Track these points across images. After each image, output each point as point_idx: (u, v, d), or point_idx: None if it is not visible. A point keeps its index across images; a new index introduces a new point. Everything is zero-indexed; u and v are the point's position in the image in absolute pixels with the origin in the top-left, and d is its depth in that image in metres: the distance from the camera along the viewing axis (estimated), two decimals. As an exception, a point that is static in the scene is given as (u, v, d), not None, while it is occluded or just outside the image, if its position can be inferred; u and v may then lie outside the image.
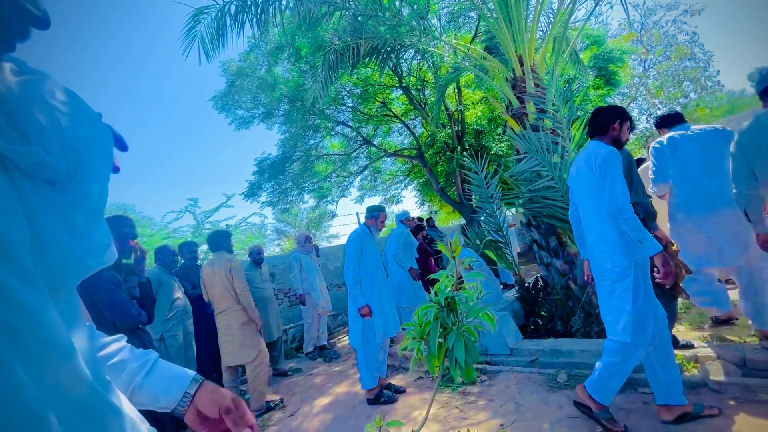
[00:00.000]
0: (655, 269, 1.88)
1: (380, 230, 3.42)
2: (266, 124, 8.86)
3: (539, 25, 4.91)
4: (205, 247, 7.28)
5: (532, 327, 3.81)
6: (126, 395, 0.59)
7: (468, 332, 1.20)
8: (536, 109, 3.79)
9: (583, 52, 9.80)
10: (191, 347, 3.47)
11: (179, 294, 3.52)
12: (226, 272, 3.31)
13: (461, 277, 1.13)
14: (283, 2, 4.36)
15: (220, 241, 3.66)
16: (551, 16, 5.25)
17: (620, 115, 2.09)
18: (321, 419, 3.00)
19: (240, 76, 7.74)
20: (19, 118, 0.44)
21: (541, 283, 4.13)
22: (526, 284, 4.26)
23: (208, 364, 3.78)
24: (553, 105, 3.71)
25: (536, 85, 3.91)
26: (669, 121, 2.75)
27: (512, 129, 4.02)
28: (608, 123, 2.08)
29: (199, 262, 4.29)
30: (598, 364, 2.06)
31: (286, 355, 5.14)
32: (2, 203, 0.40)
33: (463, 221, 9.46)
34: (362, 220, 3.84)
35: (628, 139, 2.17)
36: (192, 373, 0.69)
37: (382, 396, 3.07)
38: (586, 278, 2.37)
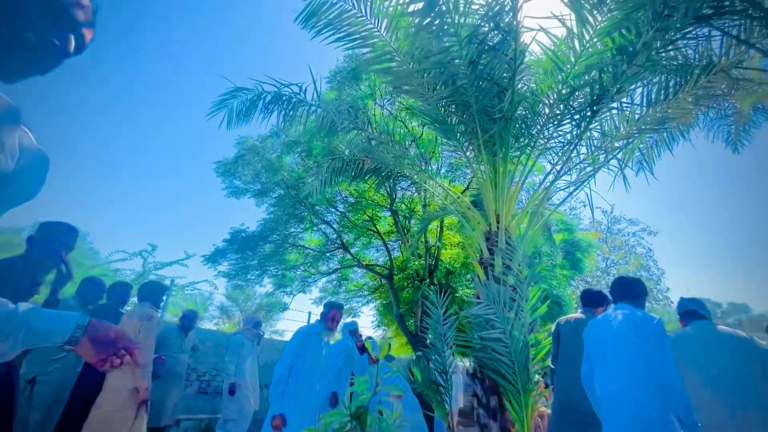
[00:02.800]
0: None
1: (333, 330, 3.16)
2: (257, 201, 9.11)
3: (519, 196, 5.61)
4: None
5: (452, 498, 3.32)
6: (18, 339, 0.73)
7: (371, 455, 1.08)
8: (503, 264, 4.04)
9: (556, 234, 10.91)
10: (60, 402, 2.91)
11: (82, 335, 3.10)
12: (138, 323, 2.99)
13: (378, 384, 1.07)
14: (312, 108, 5.00)
15: (151, 291, 3.39)
16: (531, 192, 6.03)
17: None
18: None
19: (250, 153, 8.29)
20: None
21: (473, 446, 3.77)
22: (458, 443, 3.87)
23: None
24: (519, 265, 3.98)
25: (507, 244, 4.25)
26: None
27: (478, 276, 4.21)
28: (643, 294, 2.13)
29: (123, 310, 3.90)
30: None
31: (165, 453, 4.26)
32: None
33: (413, 357, 9.02)
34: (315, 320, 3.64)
35: None
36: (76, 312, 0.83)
37: None
38: None
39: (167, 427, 3.97)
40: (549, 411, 5.44)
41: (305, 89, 4.74)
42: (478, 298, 4.07)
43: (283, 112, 4.86)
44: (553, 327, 3.08)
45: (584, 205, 15.99)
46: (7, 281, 1.67)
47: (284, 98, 4.72)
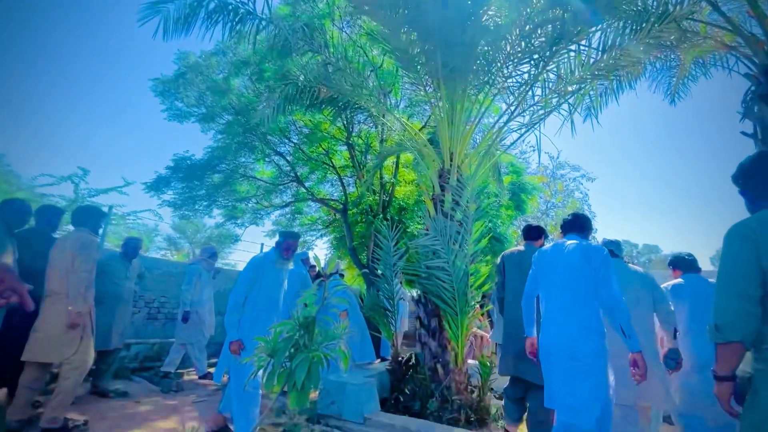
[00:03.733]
0: (632, 368, 2.08)
1: (288, 260, 3.08)
2: (202, 127, 8.43)
3: (474, 137, 5.71)
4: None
5: (392, 402, 3.78)
6: None
7: (317, 359, 1.18)
8: (453, 200, 4.22)
9: (504, 176, 11.40)
10: (-7, 326, 2.78)
11: (8, 260, 2.89)
12: (75, 249, 2.84)
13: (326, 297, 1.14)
14: (263, 23, 4.52)
15: (88, 217, 3.17)
16: (485, 133, 6.14)
17: None
18: (125, 454, 2.49)
19: (193, 71, 7.46)
20: None
21: (413, 360, 4.22)
22: (400, 358, 4.31)
23: (5, 357, 2.99)
24: (467, 202, 4.19)
25: (458, 181, 4.40)
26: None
27: (428, 211, 4.39)
28: (590, 228, 2.45)
29: (56, 235, 3.63)
30: None
31: (116, 375, 4.33)
32: None
33: (364, 287, 9.50)
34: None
35: None
36: None
37: None
38: (529, 355, 2.49)
39: (116, 350, 4.00)
40: (482, 332, 6.14)
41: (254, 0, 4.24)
42: (427, 231, 4.29)
43: (229, 25, 4.35)
44: (498, 259, 3.38)
45: (533, 150, 16.67)
46: None
47: (230, 7, 4.20)
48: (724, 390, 1.31)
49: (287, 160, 8.98)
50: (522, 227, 3.85)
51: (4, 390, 3.24)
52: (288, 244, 3.03)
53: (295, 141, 8.88)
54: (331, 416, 3.33)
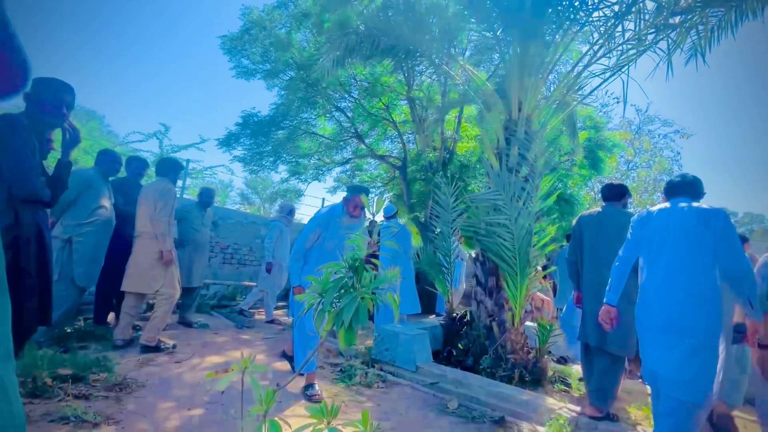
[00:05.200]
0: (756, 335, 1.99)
1: (355, 218, 2.81)
2: (267, 84, 8.64)
3: (547, 84, 5.13)
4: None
5: (445, 354, 3.83)
6: None
7: (365, 299, 1.18)
8: (519, 154, 3.91)
9: (581, 132, 10.31)
10: (98, 261, 3.23)
11: (106, 203, 3.29)
12: (157, 195, 3.15)
13: (378, 241, 1.10)
14: (322, -33, 4.32)
15: (169, 167, 3.48)
16: (560, 81, 5.50)
17: None
18: (204, 375, 2.84)
19: (257, 26, 7.54)
20: None
21: (468, 317, 4.19)
22: (454, 315, 4.31)
23: (111, 287, 3.51)
24: (534, 156, 3.86)
25: (526, 134, 4.04)
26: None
27: (491, 165, 4.12)
28: (702, 193, 2.17)
29: (142, 182, 4.06)
30: None
31: (198, 309, 4.91)
32: None
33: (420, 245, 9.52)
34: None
35: None
36: None
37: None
38: (602, 322, 2.31)
39: (198, 288, 4.49)
40: (543, 296, 5.88)
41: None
42: (489, 186, 4.06)
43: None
44: (574, 221, 3.06)
45: (617, 101, 14.78)
46: (14, 138, 1.68)
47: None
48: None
49: (347, 116, 8.96)
50: (601, 187, 3.44)
51: (113, 314, 3.85)
52: (356, 202, 2.72)
53: (355, 96, 8.77)
54: (385, 362, 3.48)
